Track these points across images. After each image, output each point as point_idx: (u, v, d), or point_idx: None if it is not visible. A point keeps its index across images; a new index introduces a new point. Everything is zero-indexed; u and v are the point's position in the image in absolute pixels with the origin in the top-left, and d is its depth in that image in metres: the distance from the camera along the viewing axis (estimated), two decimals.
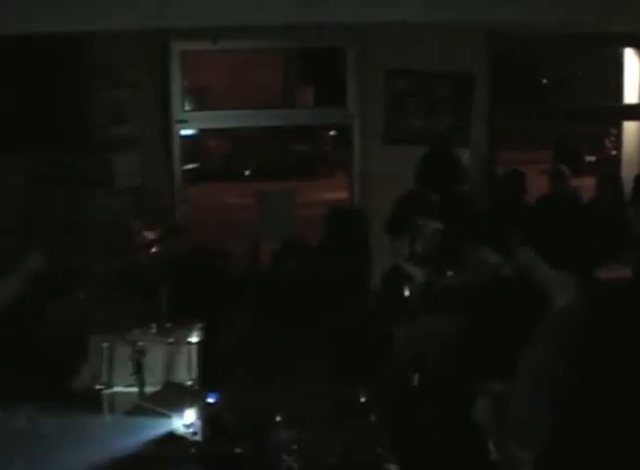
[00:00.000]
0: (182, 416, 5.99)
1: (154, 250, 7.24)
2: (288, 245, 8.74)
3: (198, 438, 6.03)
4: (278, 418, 6.14)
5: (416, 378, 6.65)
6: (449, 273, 7.24)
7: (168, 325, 6.95)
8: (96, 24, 8.22)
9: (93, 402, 6.30)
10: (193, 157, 15.83)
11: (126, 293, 7.54)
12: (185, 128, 11.13)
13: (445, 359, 6.55)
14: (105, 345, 6.59)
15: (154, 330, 6.86)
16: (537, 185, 11.01)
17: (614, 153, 13.21)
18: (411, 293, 7.18)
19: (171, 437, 5.94)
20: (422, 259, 7.29)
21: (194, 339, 6.82)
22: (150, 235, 7.28)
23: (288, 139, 17.18)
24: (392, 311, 7.20)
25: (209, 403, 6.31)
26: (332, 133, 17.42)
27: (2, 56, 8.72)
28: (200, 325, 7.02)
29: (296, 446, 5.93)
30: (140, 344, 6.47)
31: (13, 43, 8.38)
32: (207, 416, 6.17)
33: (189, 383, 6.61)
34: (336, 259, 8.26)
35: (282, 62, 16.18)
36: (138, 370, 6.36)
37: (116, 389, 6.45)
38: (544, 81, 11.86)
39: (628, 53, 12.35)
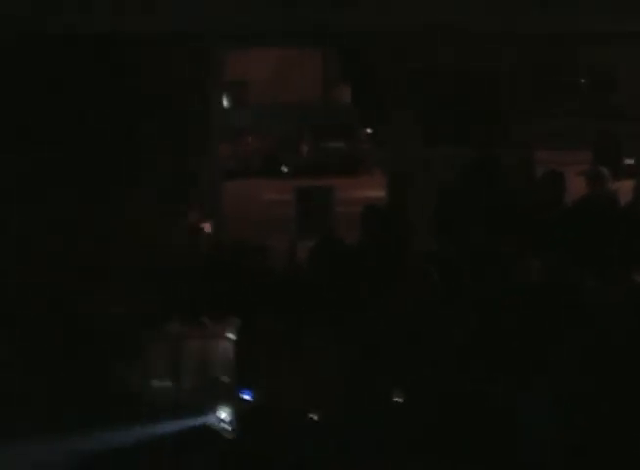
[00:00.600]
0: (218, 412, 6.02)
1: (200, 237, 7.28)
2: (325, 242, 8.75)
3: (232, 433, 6.06)
4: (313, 417, 6.17)
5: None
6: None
7: (206, 321, 6.98)
8: None
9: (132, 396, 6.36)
10: (235, 153, 15.94)
11: (166, 286, 7.58)
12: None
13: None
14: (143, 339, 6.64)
15: (191, 325, 6.90)
16: (576, 186, 10.94)
17: None
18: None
19: (207, 431, 5.98)
20: None
21: (231, 335, 6.85)
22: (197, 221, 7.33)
23: (326, 137, 17.22)
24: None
25: (245, 400, 6.33)
26: (369, 131, 17.45)
27: None
28: (236, 321, 7.04)
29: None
30: (178, 338, 6.52)
31: None
32: (243, 413, 6.20)
33: (225, 379, 6.63)
34: (371, 258, 8.27)
35: (321, 61, 16.21)
36: (175, 365, 6.40)
37: (154, 383, 6.49)
38: (583, 81, 11.82)
39: None
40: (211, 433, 6.05)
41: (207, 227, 8.17)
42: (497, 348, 6.74)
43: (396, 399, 6.57)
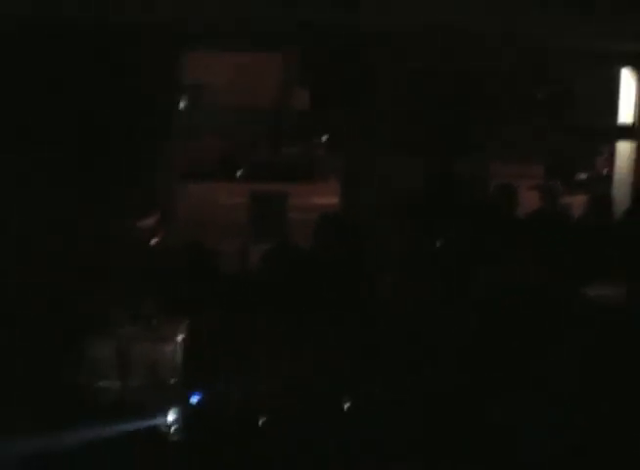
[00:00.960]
0: (165, 414, 6.02)
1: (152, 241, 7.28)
2: (278, 247, 8.77)
3: (180, 435, 6.06)
4: (262, 419, 6.18)
5: None
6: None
7: (154, 321, 6.98)
8: None
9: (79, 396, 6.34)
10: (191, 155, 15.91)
11: (115, 285, 7.57)
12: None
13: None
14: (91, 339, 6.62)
15: (139, 326, 6.89)
16: (528, 200, 11.07)
17: (605, 171, 13.30)
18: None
19: (154, 434, 5.97)
20: None
21: (179, 336, 6.85)
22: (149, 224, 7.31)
23: (282, 141, 17.27)
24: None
25: (193, 403, 6.34)
26: (324, 137, 17.55)
27: None
28: (185, 323, 7.05)
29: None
30: (125, 339, 6.51)
31: None
32: (191, 415, 6.20)
33: (173, 381, 6.63)
34: (325, 265, 8.31)
35: (280, 65, 16.21)
36: (123, 365, 6.39)
37: (101, 383, 6.48)
38: (539, 96, 11.95)
39: (625, 73, 12.42)
40: (158, 435, 6.04)
41: (160, 229, 8.14)
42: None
43: (345, 406, 6.61)
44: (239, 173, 14.55)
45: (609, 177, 13.02)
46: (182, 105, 11.58)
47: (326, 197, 13.62)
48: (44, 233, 8.33)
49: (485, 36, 10.05)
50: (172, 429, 6.05)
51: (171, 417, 6.08)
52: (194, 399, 6.40)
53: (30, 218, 8.58)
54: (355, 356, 7.04)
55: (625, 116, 12.43)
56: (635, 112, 12.32)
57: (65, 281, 7.39)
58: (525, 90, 12.11)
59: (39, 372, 6.41)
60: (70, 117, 9.82)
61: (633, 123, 12.40)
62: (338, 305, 7.76)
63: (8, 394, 6.00)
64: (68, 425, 5.77)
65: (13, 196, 8.87)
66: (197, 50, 11.82)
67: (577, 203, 11.56)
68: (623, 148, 12.58)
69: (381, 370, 6.96)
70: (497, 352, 6.82)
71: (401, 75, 11.15)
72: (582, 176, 13.21)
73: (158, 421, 6.01)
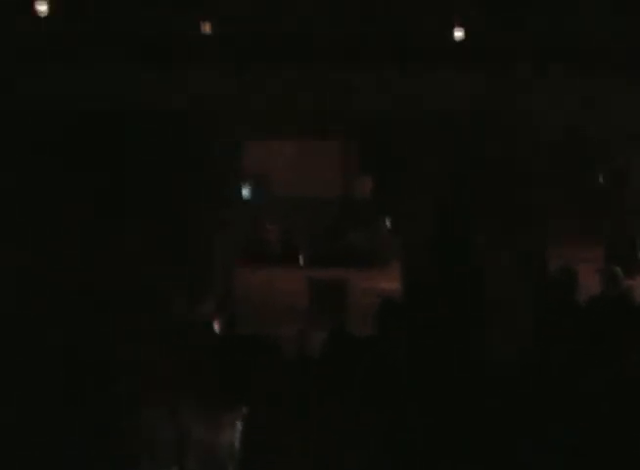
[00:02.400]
0: None
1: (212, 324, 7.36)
2: (337, 333, 8.79)
3: None
4: None
5: None
6: None
7: (214, 409, 7.01)
8: None
9: None
10: (252, 243, 16.14)
11: (176, 373, 7.62)
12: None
13: None
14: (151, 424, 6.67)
15: (199, 413, 6.93)
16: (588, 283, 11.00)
17: None
18: None
19: None
20: None
21: (238, 424, 6.88)
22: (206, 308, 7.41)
23: (344, 228, 17.47)
24: None
25: None
26: (388, 223, 17.69)
27: None
28: (245, 411, 7.08)
29: None
30: (184, 424, 6.55)
31: None
32: None
33: (230, 468, 6.65)
34: (385, 352, 8.30)
35: (342, 152, 16.45)
36: (182, 452, 6.43)
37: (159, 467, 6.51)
38: (600, 179, 11.95)
39: None
40: None
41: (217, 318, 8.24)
42: None
43: None
44: (300, 260, 14.76)
45: None
46: (245, 193, 11.78)
47: (388, 282, 13.70)
48: (111, 311, 8.44)
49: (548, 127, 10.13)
50: None
51: None
52: None
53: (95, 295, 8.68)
54: (418, 444, 7.01)
55: None
56: None
57: (124, 362, 7.48)
58: (587, 171, 12.15)
59: (98, 456, 6.48)
60: (141, 205, 10.00)
61: None
62: (399, 392, 7.74)
63: None
64: None
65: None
66: (260, 140, 12.05)
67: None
68: None
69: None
70: None
71: (462, 162, 11.23)
72: None
73: None
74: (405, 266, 11.59)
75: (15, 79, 7.85)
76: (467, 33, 7.40)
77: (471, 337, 8.41)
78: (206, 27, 7.13)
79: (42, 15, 6.04)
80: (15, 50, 7.57)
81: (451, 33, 7.43)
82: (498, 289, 9.49)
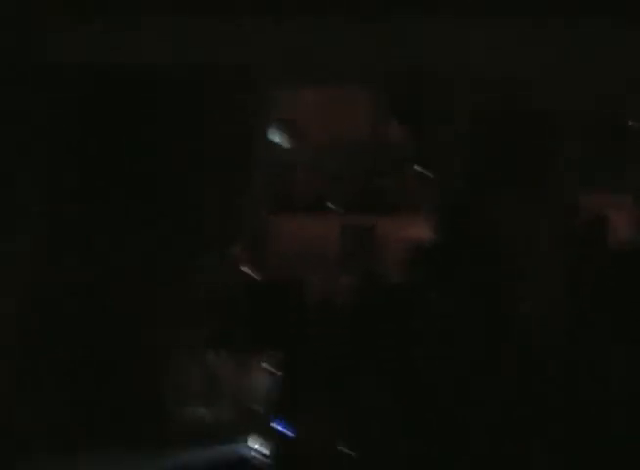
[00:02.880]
0: (250, 441, 6.10)
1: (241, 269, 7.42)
2: (367, 279, 8.83)
3: (264, 463, 6.13)
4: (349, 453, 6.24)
5: None
6: None
7: (243, 349, 7.09)
8: None
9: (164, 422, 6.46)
10: (282, 189, 16.13)
11: (206, 312, 7.70)
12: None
13: None
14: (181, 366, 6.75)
15: (229, 353, 7.01)
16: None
17: None
18: None
19: (239, 460, 6.05)
20: None
21: (266, 366, 6.94)
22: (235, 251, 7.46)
23: (374, 175, 17.41)
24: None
25: (279, 431, 6.41)
26: (417, 169, 17.64)
27: None
28: (274, 352, 7.14)
29: None
30: (214, 367, 6.62)
31: None
32: (277, 444, 6.27)
33: (259, 409, 6.72)
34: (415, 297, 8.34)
35: (373, 99, 16.36)
36: (210, 393, 6.50)
37: (187, 410, 6.59)
38: (630, 123, 11.83)
39: None
40: (243, 461, 6.13)
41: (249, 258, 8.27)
42: None
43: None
44: (329, 206, 14.78)
45: None
46: (275, 139, 11.78)
47: (418, 229, 13.68)
48: (136, 262, 8.50)
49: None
50: (257, 456, 6.14)
51: (257, 444, 6.17)
52: (279, 427, 6.49)
53: (121, 247, 8.73)
54: (445, 390, 7.05)
55: None
56: None
57: (156, 311, 7.56)
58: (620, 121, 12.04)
59: (127, 396, 6.56)
60: (165, 147, 10.04)
61: None
62: (428, 338, 7.78)
63: (96, 416, 6.15)
64: (155, 449, 5.90)
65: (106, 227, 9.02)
66: (290, 86, 12.01)
67: None
68: None
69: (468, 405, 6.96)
70: None
71: (493, 114, 11.17)
72: None
73: (243, 447, 6.11)
74: (436, 215, 11.58)
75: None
76: None
77: (502, 289, 8.43)
78: None
79: None
80: None
81: None
82: (530, 242, 9.49)
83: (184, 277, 8.29)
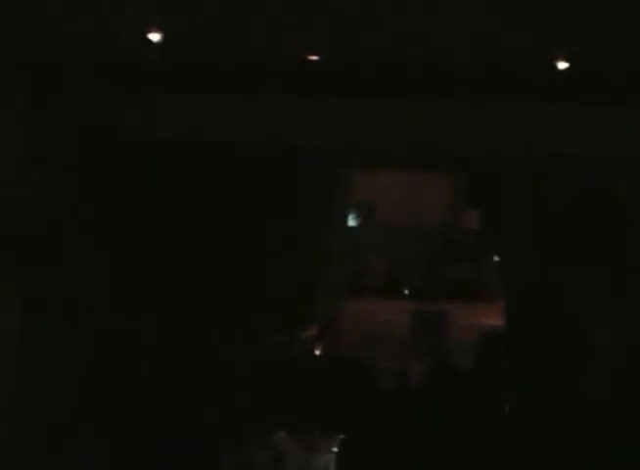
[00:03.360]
0: None
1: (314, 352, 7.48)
2: (438, 365, 8.85)
3: None
4: None
5: None
6: None
7: (311, 433, 7.12)
8: None
9: None
10: (358, 272, 16.27)
11: (275, 395, 7.75)
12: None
13: None
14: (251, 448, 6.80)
15: (296, 436, 7.04)
16: None
17: None
18: None
19: None
20: None
21: (335, 449, 6.97)
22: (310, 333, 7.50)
23: (450, 261, 17.46)
24: None
25: None
26: (496, 259, 17.63)
27: None
28: (341, 436, 7.17)
29: None
30: (283, 449, 6.67)
31: None
32: None
33: None
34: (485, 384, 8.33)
35: (451, 185, 16.45)
36: None
37: None
38: None
39: None
40: None
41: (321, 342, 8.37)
42: None
43: None
44: (405, 291, 14.83)
45: None
46: (353, 223, 11.92)
47: (491, 318, 13.65)
48: (215, 342, 8.57)
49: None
50: None
51: None
52: None
53: (199, 327, 8.82)
54: None
55: None
56: None
57: (228, 392, 7.63)
58: None
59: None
60: (249, 231, 10.17)
61: None
62: (497, 425, 7.76)
63: None
64: None
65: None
66: (370, 171, 12.17)
67: None
68: None
69: None
70: None
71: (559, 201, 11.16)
72: None
73: None
74: (508, 304, 11.54)
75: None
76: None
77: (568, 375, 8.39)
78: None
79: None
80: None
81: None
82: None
83: (257, 356, 8.38)
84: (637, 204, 9.76)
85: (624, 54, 6.56)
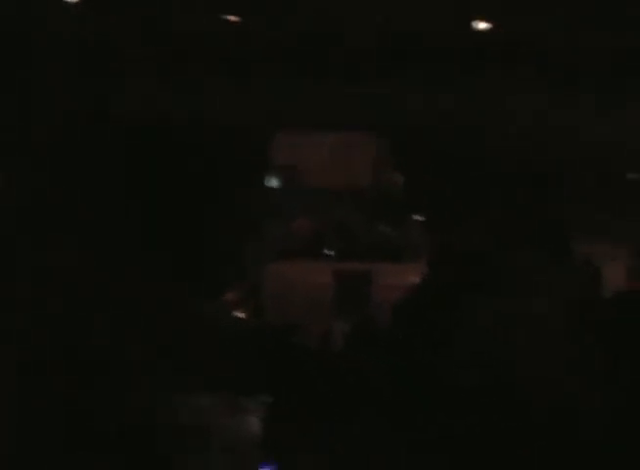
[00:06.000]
0: None
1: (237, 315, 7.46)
2: (361, 326, 8.87)
3: None
4: None
5: None
6: None
7: (233, 393, 7.13)
8: None
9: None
10: (281, 235, 16.23)
11: (200, 356, 7.72)
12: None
13: None
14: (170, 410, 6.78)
15: (219, 397, 7.04)
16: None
17: None
18: None
19: None
20: None
21: (259, 411, 6.98)
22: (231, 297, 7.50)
23: (374, 222, 17.56)
24: None
25: None
26: (419, 218, 17.77)
27: None
28: (264, 399, 7.18)
29: None
30: (204, 412, 6.66)
31: None
32: None
33: (250, 453, 6.75)
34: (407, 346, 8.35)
35: (374, 147, 16.50)
36: (200, 437, 6.53)
37: (179, 452, 6.62)
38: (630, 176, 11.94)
39: None
40: None
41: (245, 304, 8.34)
42: None
43: None
44: (327, 253, 14.87)
45: None
46: (275, 184, 11.87)
47: (414, 277, 13.72)
48: (136, 308, 8.52)
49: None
50: None
51: None
52: None
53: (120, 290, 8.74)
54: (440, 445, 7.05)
55: None
56: None
57: (147, 353, 7.58)
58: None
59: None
60: (171, 194, 10.10)
61: None
62: (421, 387, 7.80)
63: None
64: None
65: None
66: (290, 130, 12.12)
67: None
68: None
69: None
70: None
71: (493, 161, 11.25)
72: None
73: None
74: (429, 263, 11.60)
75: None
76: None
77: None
78: None
79: None
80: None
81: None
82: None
83: (180, 322, 8.33)
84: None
85: None
